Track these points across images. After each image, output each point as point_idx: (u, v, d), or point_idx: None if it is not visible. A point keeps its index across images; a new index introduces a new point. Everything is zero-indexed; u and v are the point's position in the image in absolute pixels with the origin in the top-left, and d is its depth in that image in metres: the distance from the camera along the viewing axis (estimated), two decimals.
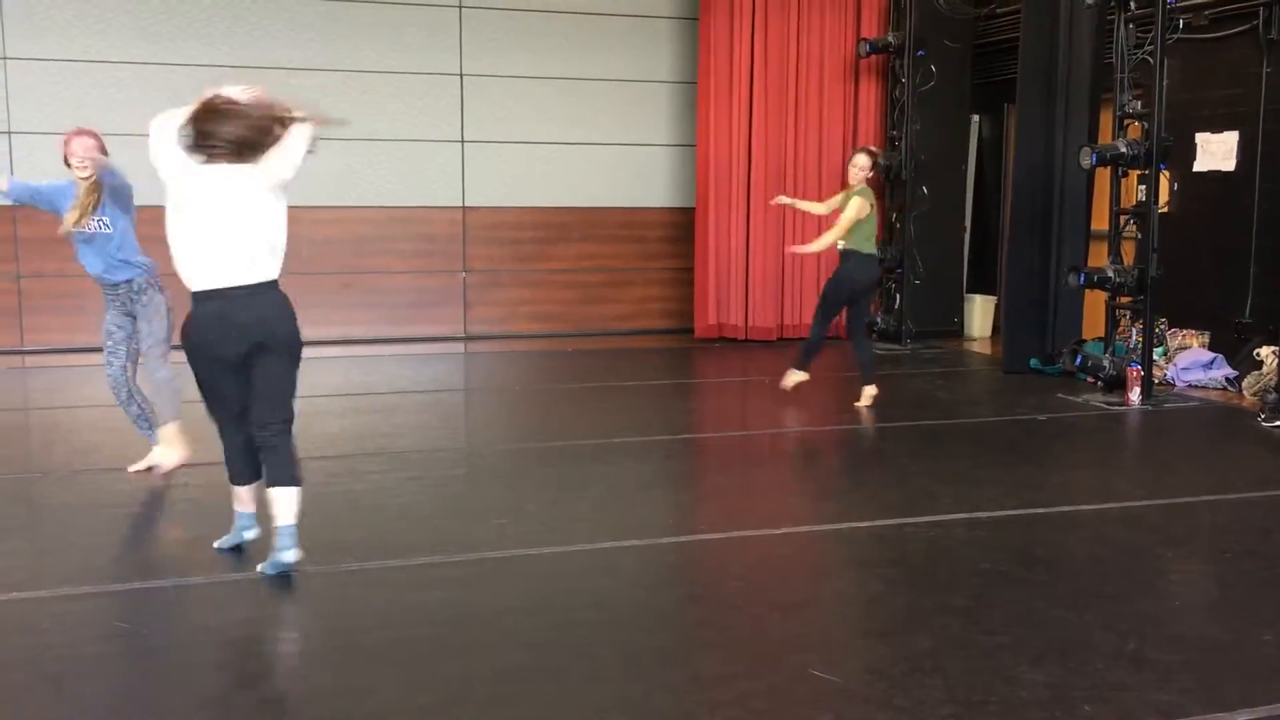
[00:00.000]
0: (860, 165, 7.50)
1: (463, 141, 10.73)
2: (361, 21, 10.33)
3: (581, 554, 4.69)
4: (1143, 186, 8.34)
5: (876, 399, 7.69)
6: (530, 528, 5.08)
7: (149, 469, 5.79)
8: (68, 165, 5.60)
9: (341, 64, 10.28)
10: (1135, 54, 8.17)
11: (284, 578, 4.26)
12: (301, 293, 10.03)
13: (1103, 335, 8.79)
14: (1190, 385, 8.57)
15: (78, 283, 9.80)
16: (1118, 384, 8.15)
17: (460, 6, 10.57)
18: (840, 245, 7.46)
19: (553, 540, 4.85)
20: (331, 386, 8.37)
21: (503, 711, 3.29)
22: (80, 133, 5.62)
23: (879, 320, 10.95)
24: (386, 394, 8.17)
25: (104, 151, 5.62)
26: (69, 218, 5.57)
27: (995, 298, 11.51)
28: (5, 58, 9.56)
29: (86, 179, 5.55)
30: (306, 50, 10.19)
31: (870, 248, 7.49)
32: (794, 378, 7.84)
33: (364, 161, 10.43)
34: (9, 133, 9.63)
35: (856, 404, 7.66)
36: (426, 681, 3.47)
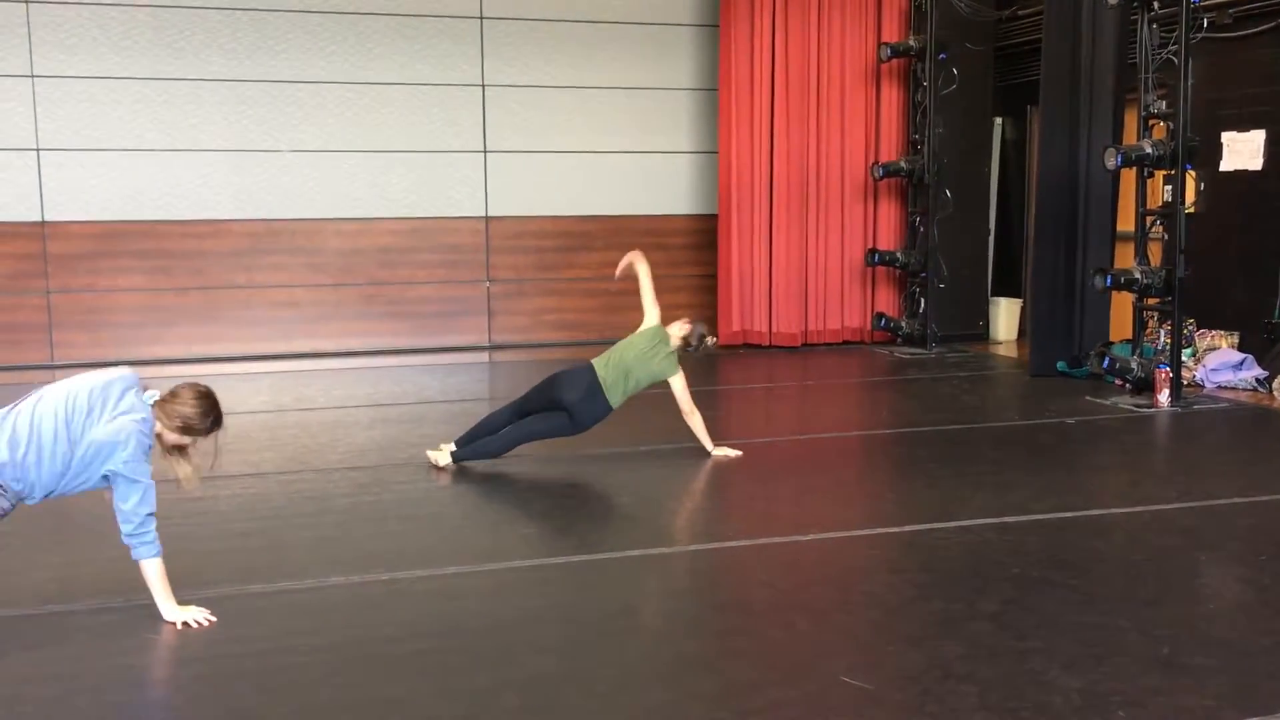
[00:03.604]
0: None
1: (485, 151, 10.77)
2: (383, 34, 10.39)
3: (609, 562, 4.69)
4: (1169, 187, 8.30)
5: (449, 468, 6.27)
6: (557, 536, 5.08)
7: None
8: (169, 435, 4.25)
9: (364, 76, 10.35)
10: (1159, 54, 8.12)
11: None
12: (327, 304, 10.28)
13: (1130, 337, 8.73)
14: (1219, 386, 8.50)
15: (105, 298, 9.99)
16: (1146, 386, 8.09)
17: (481, 17, 10.61)
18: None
19: (579, 548, 4.85)
20: (358, 397, 8.41)
21: None
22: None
23: (903, 324, 10.91)
24: (413, 404, 8.19)
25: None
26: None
27: (1020, 300, 11.46)
28: (34, 75, 9.67)
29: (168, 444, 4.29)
30: (330, 63, 10.26)
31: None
32: (443, 455, 6.28)
33: (387, 173, 10.49)
34: (38, 149, 9.73)
35: (431, 452, 6.31)
36: (457, 691, 3.48)
